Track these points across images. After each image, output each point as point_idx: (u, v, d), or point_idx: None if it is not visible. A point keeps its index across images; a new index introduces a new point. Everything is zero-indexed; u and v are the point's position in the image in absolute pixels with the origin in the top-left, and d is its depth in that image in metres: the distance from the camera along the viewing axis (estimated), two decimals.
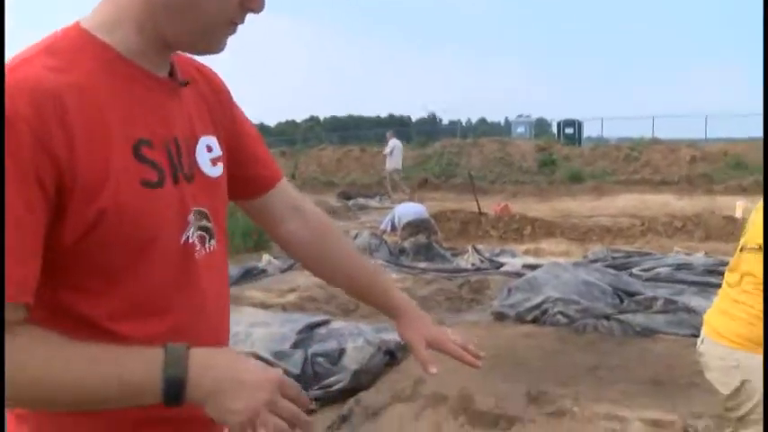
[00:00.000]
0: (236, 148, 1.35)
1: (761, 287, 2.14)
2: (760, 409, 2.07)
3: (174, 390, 0.98)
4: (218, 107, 1.31)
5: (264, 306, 6.46)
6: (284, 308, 6.48)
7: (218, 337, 1.25)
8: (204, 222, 1.20)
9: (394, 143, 18.58)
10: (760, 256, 2.16)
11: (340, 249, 1.55)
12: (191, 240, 1.16)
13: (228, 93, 1.37)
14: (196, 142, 1.21)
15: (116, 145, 1.04)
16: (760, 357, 2.05)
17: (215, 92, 1.32)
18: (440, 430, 3.78)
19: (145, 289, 1.10)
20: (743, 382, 2.12)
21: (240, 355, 1.08)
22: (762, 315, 2.10)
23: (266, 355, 4.51)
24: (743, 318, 2.19)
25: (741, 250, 2.31)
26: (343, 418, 4.01)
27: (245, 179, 1.39)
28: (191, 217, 1.16)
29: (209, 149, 1.24)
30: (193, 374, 0.99)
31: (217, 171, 1.25)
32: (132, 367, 0.98)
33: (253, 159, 1.41)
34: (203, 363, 1.01)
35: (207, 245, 1.20)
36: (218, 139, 1.28)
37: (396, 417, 3.97)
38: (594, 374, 4.45)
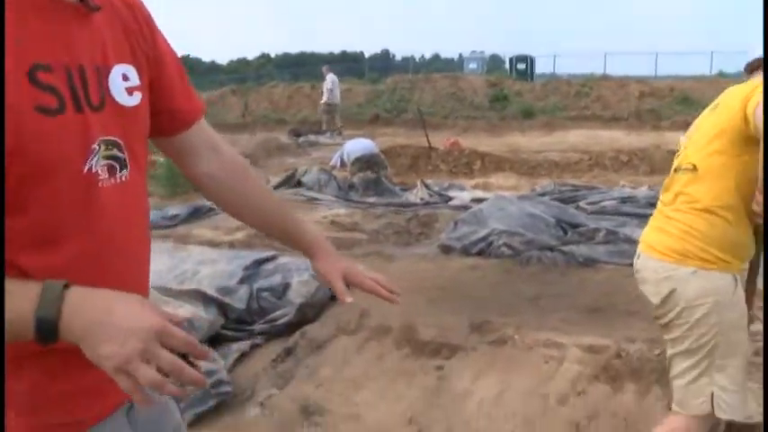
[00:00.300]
0: (158, 79, 1.30)
1: (693, 204, 2.25)
2: (684, 314, 2.21)
3: (45, 331, 0.94)
4: (138, 35, 1.25)
5: (212, 244, 6.40)
6: (232, 245, 6.42)
7: (133, 268, 1.22)
8: (114, 152, 1.16)
9: (332, 78, 18.26)
10: (693, 176, 2.26)
11: (255, 190, 1.54)
12: (94, 170, 1.11)
13: (151, 20, 1.31)
14: (109, 70, 1.16)
15: (11, 70, 0.98)
16: (687, 269, 2.20)
17: (136, 19, 1.26)
18: (382, 361, 3.81)
19: (44, 219, 1.06)
20: (671, 291, 2.23)
21: (125, 298, 1.01)
22: (692, 230, 2.23)
23: (211, 292, 4.47)
24: (675, 233, 2.28)
25: (675, 171, 2.39)
26: (288, 351, 4.02)
27: (166, 112, 1.35)
28: (95, 146, 1.11)
29: (125, 78, 1.19)
30: (66, 316, 0.95)
31: (133, 101, 1.21)
32: (12, 306, 0.95)
33: (174, 92, 1.36)
34: (77, 304, 0.97)
35: (118, 175, 1.16)
36: (138, 68, 1.23)
37: (340, 349, 3.99)
38: (536, 304, 4.52)
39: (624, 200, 7.62)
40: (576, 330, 4.03)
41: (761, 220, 2.16)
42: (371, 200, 8.51)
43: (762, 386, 2.41)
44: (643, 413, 3.29)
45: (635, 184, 9.37)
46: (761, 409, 3.03)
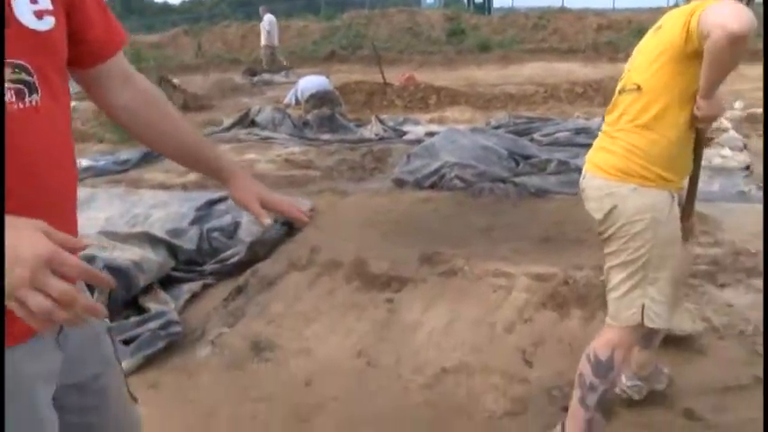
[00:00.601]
0: (74, 8, 1.25)
1: (635, 123, 2.31)
2: (623, 229, 2.30)
3: None
4: None
5: (164, 187, 6.30)
6: (185, 187, 6.33)
7: (52, 192, 1.19)
8: (22, 76, 1.11)
9: (269, 19, 17.80)
10: (637, 95, 2.32)
11: (170, 119, 1.52)
12: None
13: None
14: None
15: None
16: (629, 186, 2.28)
17: None
18: (333, 295, 3.81)
19: None
20: (612, 207, 2.30)
21: (19, 224, 0.96)
22: (634, 149, 2.30)
23: (160, 234, 4.41)
24: (618, 152, 2.34)
25: (620, 93, 2.43)
26: (239, 290, 4.00)
27: (83, 43, 1.31)
28: None
29: (33, 1, 1.14)
30: None
31: (43, 25, 1.15)
32: None
33: (92, 22, 1.32)
34: None
35: (27, 99, 1.12)
36: None
37: (291, 285, 3.98)
38: (487, 235, 4.55)
39: (578, 131, 7.65)
40: (526, 260, 4.07)
41: (702, 125, 2.31)
42: (326, 137, 8.42)
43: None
44: (588, 338, 3.32)
45: (589, 115, 9.40)
46: (696, 326, 3.10)
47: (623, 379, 2.86)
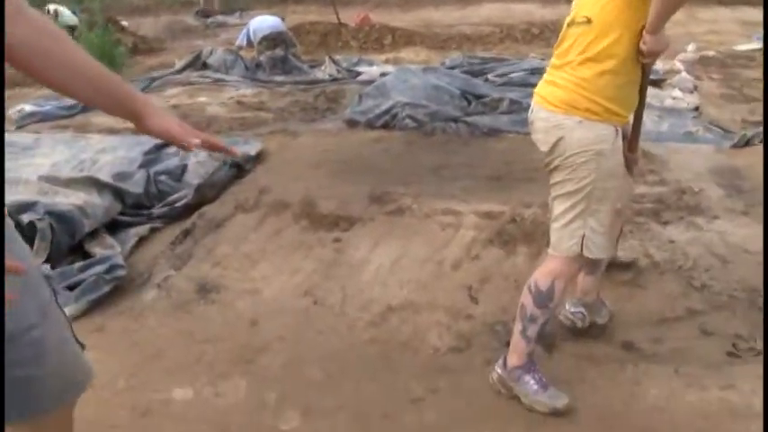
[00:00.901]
0: None
1: (584, 56, 2.31)
2: (568, 160, 2.33)
3: None
4: None
5: (113, 131, 6.12)
6: (134, 131, 6.16)
7: None
8: None
9: None
10: (587, 28, 2.31)
11: (72, 53, 1.41)
12: None
13: None
14: None
15: None
16: (575, 118, 2.30)
17: None
18: (280, 236, 3.78)
19: None
20: (559, 139, 2.32)
21: None
22: (582, 82, 2.31)
23: (106, 178, 4.31)
24: (566, 85, 2.35)
25: (569, 26, 2.41)
26: (186, 232, 3.94)
27: None
28: None
29: None
30: None
31: None
32: None
33: None
34: None
35: None
36: None
37: (238, 226, 3.93)
38: (437, 174, 4.53)
39: (533, 71, 7.58)
40: (475, 198, 4.07)
41: (647, 60, 2.32)
42: (279, 78, 8.27)
43: None
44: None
45: (545, 56, 9.33)
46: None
47: (567, 305, 2.95)
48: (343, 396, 2.62)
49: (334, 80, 7.95)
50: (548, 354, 2.81)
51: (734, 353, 2.87)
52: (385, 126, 5.54)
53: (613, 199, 2.42)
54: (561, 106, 2.34)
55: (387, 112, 5.55)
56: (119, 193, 4.25)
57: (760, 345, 2.89)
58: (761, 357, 2.82)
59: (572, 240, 2.40)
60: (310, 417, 2.52)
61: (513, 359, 2.58)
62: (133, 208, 4.26)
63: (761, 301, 3.16)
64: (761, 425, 2.43)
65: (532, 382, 2.54)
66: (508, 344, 2.91)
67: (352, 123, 5.72)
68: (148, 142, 5.23)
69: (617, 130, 2.35)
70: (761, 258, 3.51)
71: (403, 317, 3.10)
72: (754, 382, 2.65)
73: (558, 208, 2.44)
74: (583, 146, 2.29)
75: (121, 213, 4.16)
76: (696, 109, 6.27)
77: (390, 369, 2.77)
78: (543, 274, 2.50)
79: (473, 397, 2.61)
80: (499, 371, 2.63)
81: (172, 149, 5.14)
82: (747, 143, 5.22)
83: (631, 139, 2.55)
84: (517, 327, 2.56)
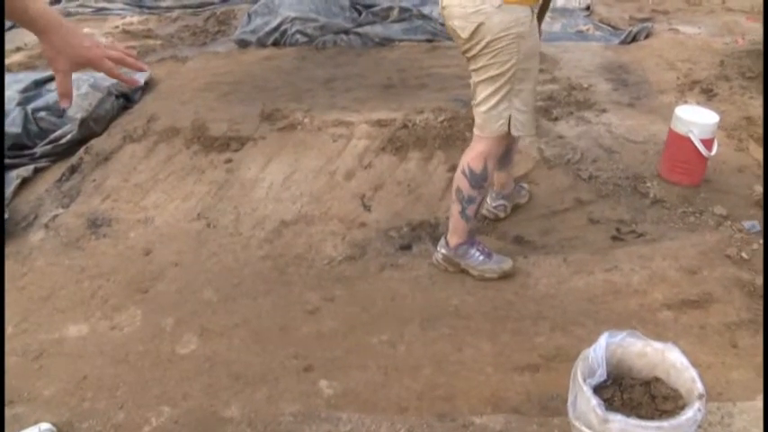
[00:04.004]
0: None
1: None
2: (490, 45, 2.35)
3: None
4: None
5: None
6: (9, 69, 5.82)
7: None
8: None
9: None
10: None
11: None
12: None
13: None
14: None
15: None
16: (494, 3, 2.30)
17: None
18: (171, 162, 3.68)
19: None
20: (479, 25, 2.33)
21: None
22: None
23: None
24: None
25: None
26: (73, 168, 3.79)
27: None
28: None
29: None
30: None
31: None
32: None
33: None
34: None
35: None
36: None
37: (127, 157, 3.80)
38: (329, 87, 4.46)
39: None
40: (366, 108, 4.04)
41: None
42: (166, 3, 7.84)
43: None
44: (426, 176, 3.42)
45: None
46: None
47: (488, 200, 3.09)
48: (240, 314, 2.62)
49: (225, 1, 7.62)
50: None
51: (617, 237, 3.00)
52: (276, 44, 5.38)
53: (534, 78, 2.49)
54: None
55: (276, 29, 5.37)
56: None
57: (641, 228, 3.03)
58: (641, 239, 2.95)
59: (499, 121, 2.48)
60: (207, 338, 2.52)
61: (455, 239, 2.71)
62: (13, 149, 4.04)
63: (642, 186, 3.29)
64: (639, 300, 2.59)
65: (478, 253, 2.73)
66: (402, 247, 2.96)
67: (242, 44, 5.53)
68: (26, 79, 4.95)
69: (533, 11, 2.38)
70: (644, 147, 3.65)
71: (297, 230, 3.09)
72: (633, 262, 2.78)
73: (482, 93, 2.49)
74: (503, 29, 2.31)
75: None
76: (587, 8, 6.33)
77: (286, 283, 2.78)
78: (474, 157, 2.58)
79: (368, 303, 2.65)
80: (443, 251, 2.76)
81: (54, 85, 4.88)
82: (634, 39, 5.33)
83: (538, 18, 2.57)
84: (455, 209, 2.67)
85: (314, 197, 3.29)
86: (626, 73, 4.68)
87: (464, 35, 2.39)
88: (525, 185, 3.28)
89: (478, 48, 2.38)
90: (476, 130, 2.59)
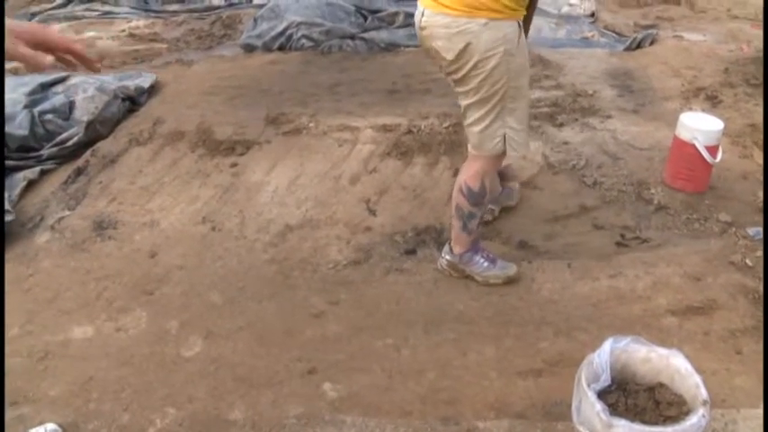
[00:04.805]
0: None
1: None
2: (479, 66, 2.28)
3: None
4: None
5: None
6: (15, 72, 5.84)
7: None
8: None
9: None
10: None
11: None
12: None
13: None
14: None
15: None
16: (479, 20, 2.21)
17: None
18: (176, 166, 3.69)
19: None
20: (466, 45, 2.25)
21: None
22: None
23: None
24: None
25: None
26: (79, 171, 3.81)
27: None
28: None
29: None
30: None
31: None
32: None
33: None
34: None
35: None
36: None
37: (133, 160, 3.82)
38: (335, 91, 4.47)
39: None
40: (371, 113, 4.05)
41: None
42: (173, 8, 7.89)
43: None
44: (431, 181, 3.43)
45: None
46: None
47: None
48: (244, 317, 2.63)
49: (231, 5, 7.64)
50: None
51: (622, 243, 3.00)
52: (281, 48, 5.41)
53: (526, 95, 2.44)
54: (462, 9, 2.23)
55: (282, 33, 5.40)
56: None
57: (645, 234, 3.04)
58: (645, 245, 2.96)
59: (494, 140, 2.44)
60: (212, 340, 2.53)
61: (459, 248, 2.71)
62: (20, 151, 4.06)
63: (647, 193, 3.30)
64: (643, 306, 2.59)
65: (482, 260, 2.72)
66: (407, 252, 2.97)
67: (248, 48, 5.56)
68: (32, 82, 4.97)
69: (519, 25, 2.31)
70: (648, 153, 3.65)
71: (302, 234, 3.10)
72: (638, 268, 2.79)
73: (473, 114, 2.41)
74: (491, 48, 2.23)
75: (7, 158, 3.96)
76: (592, 15, 6.35)
77: (291, 286, 2.79)
78: (471, 175, 2.55)
79: (373, 307, 2.66)
80: (448, 257, 2.77)
81: (60, 87, 4.90)
82: (639, 45, 5.34)
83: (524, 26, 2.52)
84: (456, 224, 2.67)
85: (319, 201, 3.30)
86: (631, 80, 4.69)
87: (449, 57, 2.29)
88: (514, 187, 3.24)
89: (466, 69, 2.30)
90: (471, 149, 2.54)
